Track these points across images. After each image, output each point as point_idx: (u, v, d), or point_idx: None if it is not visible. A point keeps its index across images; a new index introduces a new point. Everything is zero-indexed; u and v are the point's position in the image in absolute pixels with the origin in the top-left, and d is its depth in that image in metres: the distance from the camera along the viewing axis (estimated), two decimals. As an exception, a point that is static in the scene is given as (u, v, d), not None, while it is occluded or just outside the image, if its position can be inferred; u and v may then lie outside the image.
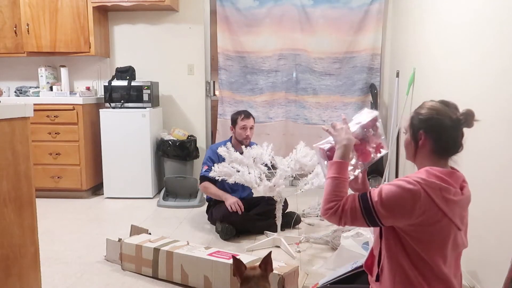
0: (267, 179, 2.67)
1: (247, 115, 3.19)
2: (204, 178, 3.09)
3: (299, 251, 2.67)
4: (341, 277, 1.73)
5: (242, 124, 3.14)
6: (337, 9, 4.08)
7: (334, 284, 1.75)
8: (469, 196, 1.32)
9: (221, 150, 2.74)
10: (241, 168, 2.67)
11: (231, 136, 3.28)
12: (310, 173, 2.73)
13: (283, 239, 2.72)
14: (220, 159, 2.88)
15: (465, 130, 1.33)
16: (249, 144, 3.05)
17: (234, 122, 3.20)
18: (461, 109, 1.34)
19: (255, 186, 2.66)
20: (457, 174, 1.31)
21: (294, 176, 2.77)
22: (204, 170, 3.10)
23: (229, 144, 2.83)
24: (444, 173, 1.27)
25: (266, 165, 2.78)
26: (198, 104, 4.34)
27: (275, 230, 2.99)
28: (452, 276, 1.31)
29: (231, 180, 2.65)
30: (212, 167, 2.74)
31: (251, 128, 3.17)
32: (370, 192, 1.30)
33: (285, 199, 3.09)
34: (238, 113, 3.23)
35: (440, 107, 1.33)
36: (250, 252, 2.64)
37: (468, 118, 1.30)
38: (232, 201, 2.92)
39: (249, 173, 2.65)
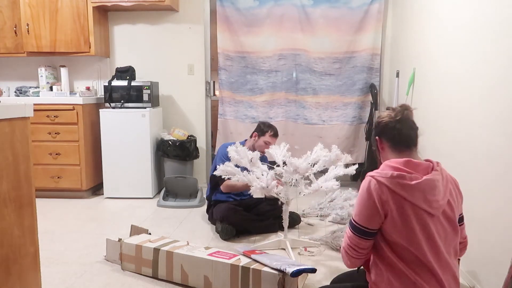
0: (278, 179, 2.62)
1: (276, 133, 3.12)
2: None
3: (313, 255, 2.63)
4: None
5: (268, 140, 3.07)
6: (337, 9, 4.08)
7: (334, 284, 1.76)
8: (434, 180, 1.35)
9: (231, 149, 2.64)
10: (251, 168, 2.62)
11: (246, 140, 3.19)
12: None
13: (288, 242, 2.67)
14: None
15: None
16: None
17: (261, 132, 3.11)
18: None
19: (252, 186, 2.59)
20: (416, 163, 1.39)
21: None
22: None
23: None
24: (400, 163, 1.39)
25: (271, 165, 2.70)
26: (198, 104, 4.34)
27: (275, 231, 2.99)
28: (435, 264, 1.33)
29: (234, 180, 2.62)
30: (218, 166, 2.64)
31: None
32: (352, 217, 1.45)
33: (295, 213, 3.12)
34: (270, 126, 3.13)
35: (383, 113, 1.54)
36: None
37: (405, 109, 1.49)
38: (257, 183, 2.53)
39: (250, 172, 2.64)
